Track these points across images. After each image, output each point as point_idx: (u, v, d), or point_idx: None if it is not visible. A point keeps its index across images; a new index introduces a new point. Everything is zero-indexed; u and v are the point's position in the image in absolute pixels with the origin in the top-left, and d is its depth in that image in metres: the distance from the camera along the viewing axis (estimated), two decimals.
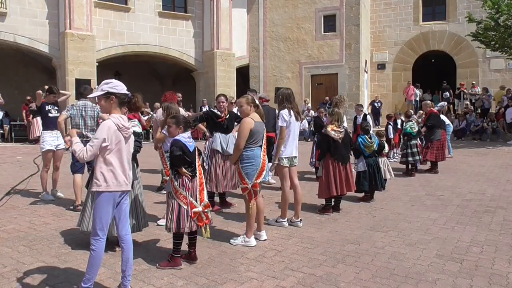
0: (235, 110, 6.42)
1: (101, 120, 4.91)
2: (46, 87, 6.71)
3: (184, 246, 3.97)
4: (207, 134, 6.10)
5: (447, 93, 19.25)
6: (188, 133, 3.93)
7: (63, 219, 5.51)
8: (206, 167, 5.86)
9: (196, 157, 3.95)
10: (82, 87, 6.47)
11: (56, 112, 6.58)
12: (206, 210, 3.89)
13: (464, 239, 4.66)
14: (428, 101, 10.58)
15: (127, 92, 3.21)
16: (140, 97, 3.30)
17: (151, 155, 11.81)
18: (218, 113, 6.06)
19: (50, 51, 17.48)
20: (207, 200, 3.93)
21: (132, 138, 3.31)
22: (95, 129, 5.92)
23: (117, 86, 3.18)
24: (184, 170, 3.79)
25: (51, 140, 6.47)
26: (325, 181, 5.74)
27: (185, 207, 3.76)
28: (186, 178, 3.81)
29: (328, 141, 5.70)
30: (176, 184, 3.82)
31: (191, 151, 3.85)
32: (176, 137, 3.87)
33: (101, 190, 3.12)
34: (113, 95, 3.14)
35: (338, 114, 5.88)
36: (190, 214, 3.76)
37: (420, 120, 10.95)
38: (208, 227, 3.94)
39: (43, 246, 4.42)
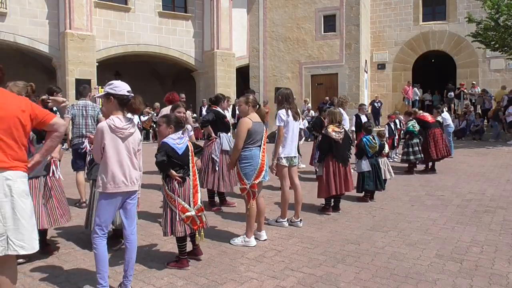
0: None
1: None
2: (60, 94, 6.54)
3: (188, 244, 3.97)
4: (212, 135, 6.09)
5: (452, 93, 19.24)
6: (178, 134, 3.82)
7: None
8: (217, 169, 5.90)
9: (190, 157, 3.84)
10: (82, 87, 6.45)
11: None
12: (199, 214, 3.81)
13: (464, 239, 4.66)
14: (414, 109, 10.80)
15: (127, 93, 3.21)
16: (138, 99, 3.27)
17: (151, 155, 11.80)
18: (224, 113, 6.20)
19: (50, 51, 17.48)
20: (200, 204, 3.85)
21: (135, 138, 3.28)
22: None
23: (116, 87, 3.20)
24: (174, 173, 3.73)
25: None
26: (325, 180, 5.74)
27: (176, 211, 3.72)
28: (176, 182, 3.74)
29: (330, 142, 5.70)
30: (167, 188, 3.76)
31: (180, 153, 3.75)
32: (164, 140, 3.79)
33: (100, 191, 3.19)
34: (112, 96, 3.18)
35: (332, 113, 5.87)
36: (182, 218, 3.71)
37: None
38: (202, 231, 3.89)
39: None
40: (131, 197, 3.29)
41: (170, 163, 3.72)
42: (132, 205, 3.32)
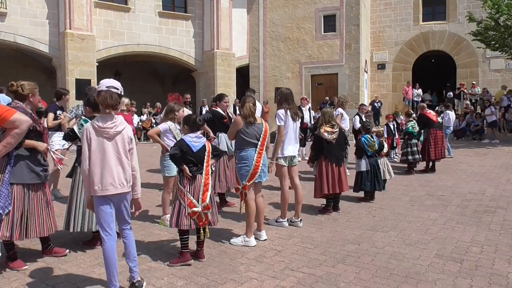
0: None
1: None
2: (68, 96, 6.70)
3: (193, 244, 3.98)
4: (211, 134, 6.11)
5: (451, 93, 19.36)
6: (196, 133, 4.03)
7: (63, 219, 5.49)
8: (213, 168, 5.92)
9: (206, 157, 3.97)
10: (87, 88, 6.56)
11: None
12: (205, 211, 3.90)
13: (464, 239, 4.66)
14: (423, 104, 10.64)
15: (105, 89, 3.12)
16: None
17: (150, 155, 11.82)
18: (223, 113, 6.15)
19: (50, 51, 17.47)
20: (207, 202, 3.93)
21: (124, 136, 3.16)
22: None
23: (100, 86, 3.14)
24: (186, 169, 3.89)
25: (59, 140, 6.62)
26: (318, 180, 5.75)
27: (184, 204, 3.84)
28: (186, 177, 3.91)
29: (321, 142, 5.71)
30: (179, 182, 3.95)
31: (195, 151, 3.92)
32: (182, 136, 4.07)
33: (92, 194, 3.12)
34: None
35: (323, 113, 5.89)
36: (188, 213, 3.82)
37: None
38: (207, 228, 3.98)
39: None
40: (123, 200, 3.20)
41: (183, 158, 3.91)
42: (124, 208, 3.23)
